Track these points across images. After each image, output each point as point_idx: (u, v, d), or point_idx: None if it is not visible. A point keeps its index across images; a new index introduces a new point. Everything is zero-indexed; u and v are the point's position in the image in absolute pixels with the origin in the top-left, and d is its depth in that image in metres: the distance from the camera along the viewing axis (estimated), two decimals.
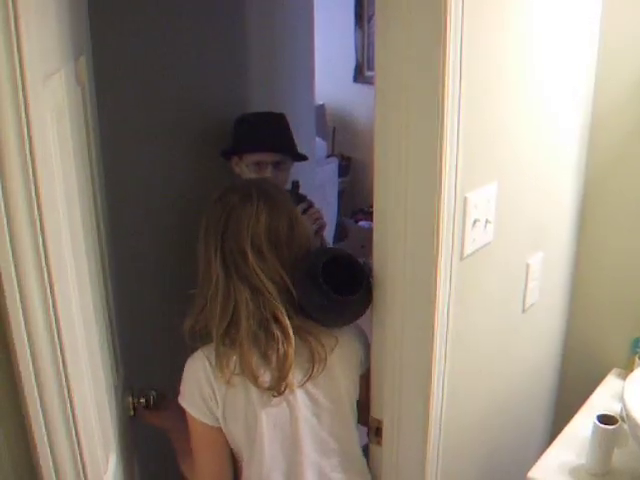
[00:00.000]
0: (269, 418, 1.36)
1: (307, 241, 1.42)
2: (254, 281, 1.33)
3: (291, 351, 1.32)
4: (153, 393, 1.50)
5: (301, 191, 2.22)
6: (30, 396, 0.90)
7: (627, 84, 1.63)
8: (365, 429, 1.49)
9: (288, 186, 2.21)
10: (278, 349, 1.31)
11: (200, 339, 1.37)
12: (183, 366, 1.39)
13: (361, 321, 1.45)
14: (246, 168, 2.09)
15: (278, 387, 1.32)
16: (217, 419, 1.36)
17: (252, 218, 1.34)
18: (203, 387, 1.34)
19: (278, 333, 1.32)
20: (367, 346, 1.45)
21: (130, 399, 1.47)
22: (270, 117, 2.17)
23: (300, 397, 1.37)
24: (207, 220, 1.38)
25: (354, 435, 1.47)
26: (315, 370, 1.35)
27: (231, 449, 1.42)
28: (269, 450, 1.37)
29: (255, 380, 1.32)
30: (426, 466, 1.38)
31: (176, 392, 1.38)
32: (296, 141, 2.19)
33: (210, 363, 1.33)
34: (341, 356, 1.40)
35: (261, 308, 1.33)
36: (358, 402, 1.47)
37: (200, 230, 1.38)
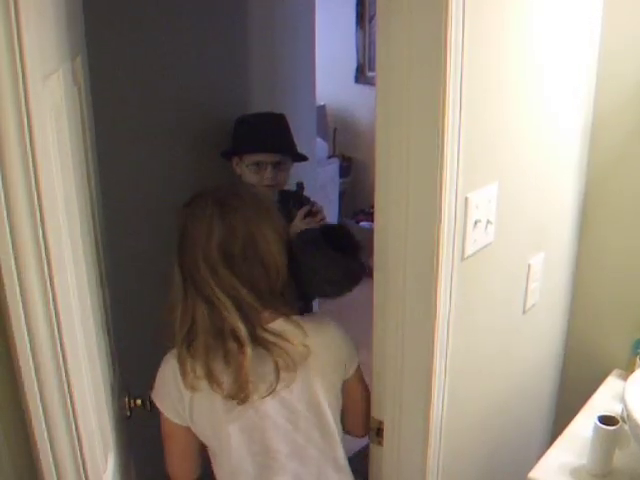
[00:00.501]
0: (234, 424, 1.34)
1: (271, 255, 1.33)
2: (209, 295, 1.30)
3: (246, 363, 1.28)
4: (150, 394, 1.49)
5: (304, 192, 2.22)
6: (30, 392, 0.90)
7: (628, 84, 1.63)
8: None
9: (292, 187, 2.22)
10: (234, 361, 1.29)
11: (169, 340, 1.36)
12: None
13: (361, 321, 1.45)
14: (246, 168, 2.10)
15: (237, 397, 1.30)
16: (184, 419, 1.35)
17: (204, 232, 1.30)
18: (171, 389, 1.33)
19: (234, 346, 1.29)
20: (352, 351, 1.44)
21: (126, 399, 1.47)
22: (270, 118, 2.17)
23: (271, 404, 1.35)
24: (176, 227, 1.37)
25: (336, 442, 1.44)
26: (279, 381, 1.31)
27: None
28: (235, 455, 1.36)
29: (216, 387, 1.30)
30: (427, 466, 1.38)
31: None
32: (297, 142, 2.19)
33: (179, 365, 1.32)
34: (320, 362, 1.37)
35: (217, 322, 1.30)
36: (342, 409, 1.45)
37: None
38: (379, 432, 1.43)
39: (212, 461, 1.43)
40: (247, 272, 1.32)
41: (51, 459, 0.95)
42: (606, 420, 1.41)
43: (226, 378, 1.30)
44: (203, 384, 1.30)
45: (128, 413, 1.48)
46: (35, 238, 0.85)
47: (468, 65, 1.14)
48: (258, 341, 1.31)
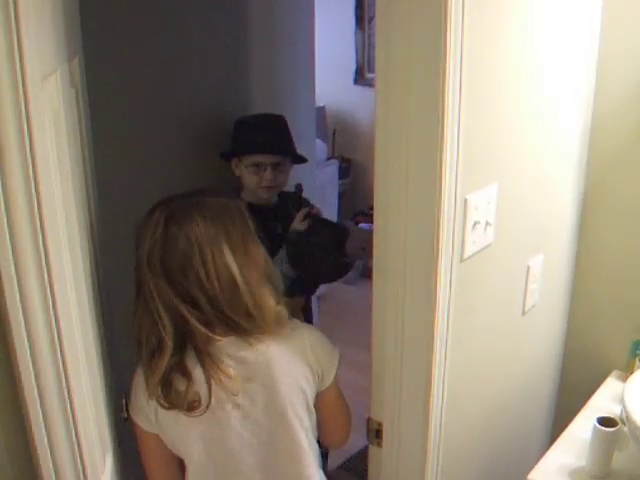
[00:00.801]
0: (197, 434, 1.32)
1: (223, 271, 1.27)
2: (150, 307, 1.29)
3: (156, 381, 1.27)
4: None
5: (302, 194, 2.22)
6: (30, 394, 0.90)
7: (628, 85, 1.63)
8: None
9: (290, 188, 2.22)
10: (153, 376, 1.28)
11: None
12: None
13: (361, 323, 1.45)
14: (245, 169, 2.10)
15: (183, 409, 1.28)
16: (155, 428, 1.34)
17: (149, 243, 1.28)
18: (141, 399, 1.33)
19: (161, 364, 1.27)
20: (330, 361, 1.39)
21: (123, 401, 1.47)
22: (270, 119, 2.17)
23: (234, 415, 1.32)
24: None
25: (306, 458, 1.39)
26: (211, 401, 1.28)
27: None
28: (198, 463, 1.35)
29: (169, 400, 1.28)
30: (426, 468, 1.38)
31: None
32: (296, 143, 2.19)
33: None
34: (285, 373, 1.33)
35: (152, 337, 1.29)
36: (320, 423, 1.42)
37: None
38: (378, 434, 1.43)
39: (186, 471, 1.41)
40: (186, 287, 1.27)
41: (50, 460, 0.95)
42: (605, 422, 1.41)
43: (177, 391, 1.28)
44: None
45: (125, 415, 1.47)
46: (35, 242, 0.85)
47: (467, 66, 1.14)
48: (198, 357, 1.28)
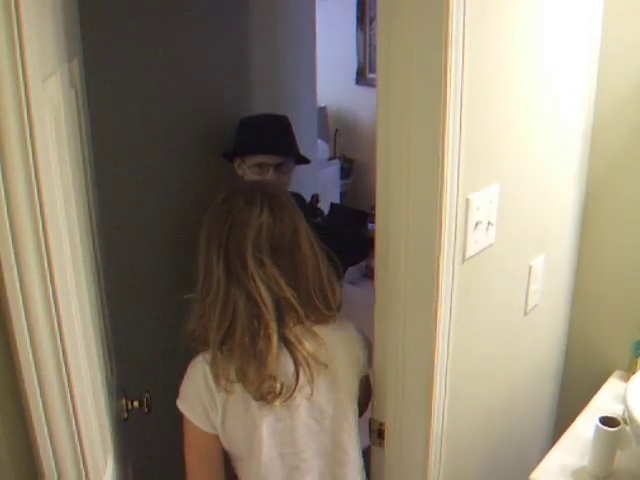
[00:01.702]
0: (268, 426, 1.34)
1: (311, 250, 1.35)
2: (251, 290, 1.29)
3: (271, 362, 1.29)
4: (147, 396, 1.49)
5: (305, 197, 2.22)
6: (31, 393, 0.90)
7: (628, 85, 1.63)
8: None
9: (292, 189, 2.22)
10: (259, 359, 1.29)
11: (201, 342, 1.35)
12: (176, 368, 1.37)
13: (363, 322, 1.45)
14: (248, 170, 2.10)
15: (266, 397, 1.30)
16: (214, 426, 1.34)
17: (255, 224, 1.30)
18: (203, 393, 1.32)
19: (262, 345, 1.29)
20: (370, 350, 1.45)
21: (124, 401, 1.46)
22: (273, 119, 2.17)
23: (303, 405, 1.36)
24: (210, 223, 1.34)
25: (357, 443, 1.45)
26: (298, 389, 1.32)
27: (225, 452, 1.40)
28: (266, 457, 1.36)
29: (249, 388, 1.30)
30: (428, 467, 1.37)
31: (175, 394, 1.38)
32: (298, 143, 2.19)
33: (211, 368, 1.31)
34: (344, 363, 1.39)
35: (254, 319, 1.30)
36: None
37: (202, 233, 1.35)
38: (380, 434, 1.43)
39: (237, 468, 1.42)
40: (291, 269, 1.33)
41: (52, 461, 0.95)
42: (607, 421, 1.41)
43: (256, 378, 1.29)
44: (236, 386, 1.30)
45: (125, 415, 1.47)
46: (36, 238, 0.85)
47: (469, 66, 1.14)
48: (285, 342, 1.32)
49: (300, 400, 1.35)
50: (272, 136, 2.12)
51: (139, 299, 2.04)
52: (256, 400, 1.31)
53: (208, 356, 1.33)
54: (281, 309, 1.32)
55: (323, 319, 1.37)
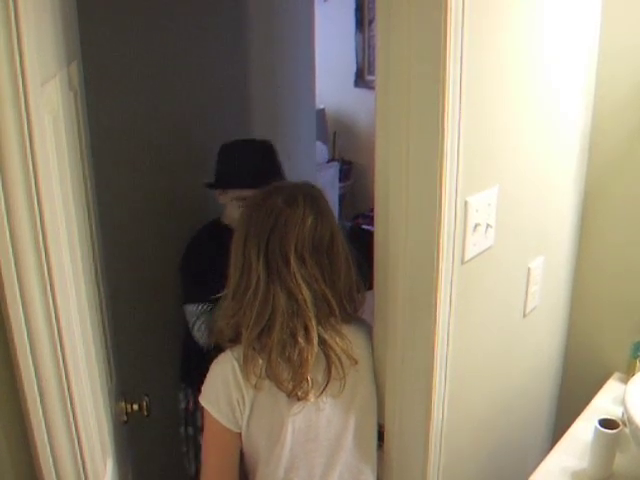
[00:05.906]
0: (295, 423, 1.35)
1: (345, 251, 1.38)
2: (292, 287, 1.31)
3: (311, 360, 1.31)
4: (146, 399, 1.49)
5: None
6: (31, 397, 0.90)
7: (627, 86, 1.63)
8: None
9: None
10: (300, 357, 1.31)
11: (229, 340, 1.37)
12: (175, 372, 1.37)
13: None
14: (230, 202, 2.00)
15: (297, 394, 1.32)
16: (237, 423, 1.35)
17: (298, 223, 1.32)
18: (231, 390, 1.33)
19: (303, 343, 1.32)
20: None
21: (123, 404, 1.46)
22: (255, 148, 2.05)
23: (329, 402, 1.37)
24: (249, 223, 1.35)
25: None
26: (328, 386, 1.35)
27: (242, 453, 1.41)
28: (290, 454, 1.37)
29: (280, 385, 1.31)
30: (427, 470, 1.37)
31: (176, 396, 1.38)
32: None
33: (239, 365, 1.32)
34: (366, 357, 1.41)
35: (294, 317, 1.32)
36: None
37: (239, 233, 1.35)
38: (379, 435, 1.43)
39: (253, 471, 1.42)
40: (328, 266, 1.35)
41: (52, 465, 0.95)
42: (607, 423, 1.41)
43: (287, 375, 1.32)
44: (266, 383, 1.32)
45: (125, 418, 1.47)
46: (36, 244, 0.85)
47: (468, 68, 1.14)
48: (320, 341, 1.34)
49: (327, 397, 1.37)
50: (256, 168, 1.99)
51: (138, 305, 2.04)
52: (289, 396, 1.33)
53: (236, 353, 1.34)
54: (317, 307, 1.34)
55: (347, 319, 1.41)
